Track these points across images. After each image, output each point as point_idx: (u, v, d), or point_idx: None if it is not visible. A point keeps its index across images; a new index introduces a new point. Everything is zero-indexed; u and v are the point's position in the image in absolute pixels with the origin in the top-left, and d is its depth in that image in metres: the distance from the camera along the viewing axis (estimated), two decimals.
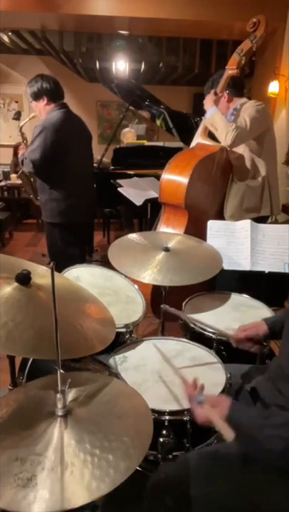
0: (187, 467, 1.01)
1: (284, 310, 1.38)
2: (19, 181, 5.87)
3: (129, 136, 5.55)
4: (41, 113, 2.74)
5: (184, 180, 2.40)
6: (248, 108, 2.41)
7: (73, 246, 2.95)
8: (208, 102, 2.45)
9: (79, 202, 2.82)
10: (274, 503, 0.97)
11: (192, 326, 1.60)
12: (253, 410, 0.97)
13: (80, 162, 2.86)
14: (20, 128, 3.03)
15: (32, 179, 3.31)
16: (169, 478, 1.02)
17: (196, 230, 2.21)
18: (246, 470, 0.99)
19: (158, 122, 5.20)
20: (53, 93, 2.68)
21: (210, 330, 1.54)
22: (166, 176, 2.50)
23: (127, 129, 5.75)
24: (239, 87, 2.57)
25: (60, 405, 0.84)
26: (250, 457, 1.00)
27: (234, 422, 0.93)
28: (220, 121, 2.34)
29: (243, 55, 2.42)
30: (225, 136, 2.28)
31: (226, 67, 2.45)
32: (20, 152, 2.93)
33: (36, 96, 2.67)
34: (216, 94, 2.44)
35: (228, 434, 0.90)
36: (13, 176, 5.93)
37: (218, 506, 0.98)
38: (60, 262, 2.88)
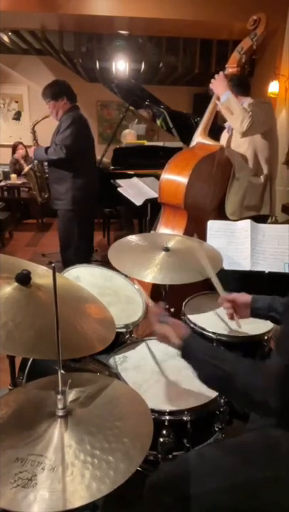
0: (186, 466, 1.01)
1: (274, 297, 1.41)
2: (19, 181, 5.89)
3: (129, 137, 5.56)
4: (59, 112, 3.01)
5: (183, 180, 2.39)
6: (257, 103, 2.40)
7: (85, 237, 3.31)
8: (220, 85, 2.36)
9: (91, 194, 3.22)
10: (273, 503, 0.97)
11: (192, 326, 1.60)
12: (205, 342, 1.09)
13: (91, 159, 3.26)
14: (33, 126, 3.23)
15: (39, 174, 3.50)
16: (168, 477, 1.02)
17: (196, 230, 2.20)
18: (245, 469, 0.99)
19: (158, 122, 5.20)
20: (70, 95, 3.00)
21: (210, 330, 1.54)
22: (166, 176, 2.49)
23: (127, 131, 5.75)
24: (245, 86, 2.55)
25: (60, 406, 0.84)
26: (249, 458, 1.00)
27: (186, 343, 1.05)
28: (236, 106, 2.28)
29: (244, 53, 2.41)
30: (241, 121, 2.24)
31: (226, 66, 2.44)
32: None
33: (57, 95, 2.94)
34: (225, 76, 2.38)
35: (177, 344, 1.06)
36: (13, 176, 5.92)
37: (217, 506, 0.97)
38: (71, 252, 3.18)
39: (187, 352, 1.05)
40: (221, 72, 2.41)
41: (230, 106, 2.31)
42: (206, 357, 1.01)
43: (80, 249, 3.21)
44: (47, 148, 3.00)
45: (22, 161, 4.87)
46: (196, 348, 1.04)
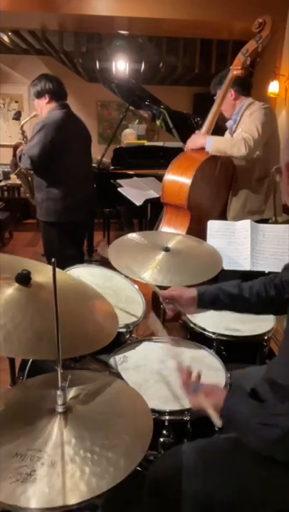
0: (185, 462, 1.01)
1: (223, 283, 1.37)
2: (19, 181, 5.88)
3: (130, 137, 5.56)
4: (42, 111, 2.76)
5: (187, 180, 2.38)
6: (256, 111, 2.38)
7: (69, 246, 2.96)
8: (197, 140, 2.45)
9: (75, 203, 2.82)
10: (269, 501, 0.97)
11: (192, 326, 1.60)
12: (249, 400, 0.99)
13: (78, 163, 2.87)
14: (22, 126, 3.06)
15: (30, 178, 3.31)
16: (167, 472, 1.02)
17: (199, 230, 2.20)
18: (243, 467, 0.99)
19: (158, 122, 5.20)
20: (55, 93, 2.72)
21: (210, 330, 1.54)
22: (169, 176, 2.49)
23: (127, 130, 5.75)
24: (247, 86, 2.54)
25: (60, 402, 0.84)
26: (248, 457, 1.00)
27: (229, 411, 0.95)
28: (222, 143, 2.34)
29: (248, 55, 2.40)
30: (238, 149, 2.25)
31: (231, 68, 2.43)
32: (18, 150, 2.94)
33: (39, 94, 2.71)
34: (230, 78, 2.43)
35: (217, 421, 0.93)
36: (13, 176, 5.92)
37: (214, 503, 0.98)
38: (57, 261, 2.90)
39: (230, 423, 0.95)
40: (197, 132, 2.51)
41: (219, 147, 2.34)
42: (255, 419, 0.91)
43: (65, 257, 2.87)
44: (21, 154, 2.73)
45: None
46: (239, 412, 0.94)
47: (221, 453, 1.04)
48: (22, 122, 3.12)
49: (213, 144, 2.35)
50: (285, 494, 0.97)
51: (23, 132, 3.08)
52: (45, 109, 2.74)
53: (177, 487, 0.98)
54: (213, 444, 1.09)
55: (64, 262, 2.63)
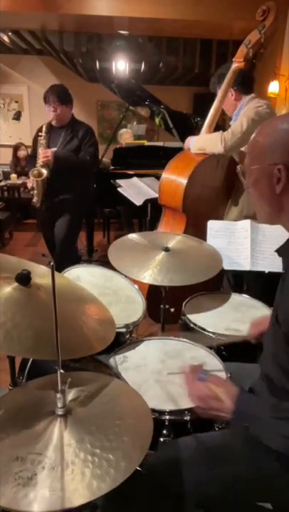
0: (179, 455, 1.01)
1: None
2: (19, 181, 5.88)
3: (126, 136, 5.55)
4: (66, 117, 3.05)
5: (182, 181, 2.31)
6: (247, 110, 2.31)
7: (77, 237, 3.49)
8: (187, 141, 2.49)
9: (90, 197, 3.61)
10: (269, 488, 0.98)
11: (192, 326, 1.60)
12: (260, 398, 0.99)
13: None
14: (39, 130, 3.17)
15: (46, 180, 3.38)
16: (163, 465, 1.03)
17: (195, 235, 2.13)
18: (239, 455, 1.00)
19: (156, 120, 5.20)
20: (72, 100, 3.11)
21: (210, 330, 1.54)
22: (166, 176, 2.44)
23: (124, 130, 5.75)
24: (248, 83, 2.42)
25: (60, 405, 0.84)
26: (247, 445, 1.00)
27: (243, 402, 0.94)
28: (202, 140, 2.34)
29: (251, 46, 2.27)
30: (215, 145, 2.23)
31: (233, 60, 2.34)
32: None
33: (67, 101, 3.02)
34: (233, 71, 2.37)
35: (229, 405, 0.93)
36: (13, 176, 5.92)
37: (211, 492, 0.99)
38: (69, 250, 3.23)
39: (244, 415, 0.94)
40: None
41: (199, 145, 2.34)
42: (270, 413, 0.91)
43: (74, 250, 3.43)
44: (75, 153, 3.07)
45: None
46: (253, 407, 0.94)
47: (217, 445, 1.04)
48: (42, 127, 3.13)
49: (195, 143, 2.35)
50: (281, 485, 0.97)
51: (38, 135, 3.11)
52: (68, 114, 3.07)
53: (174, 479, 0.99)
54: (209, 436, 1.10)
55: (72, 251, 3.23)
